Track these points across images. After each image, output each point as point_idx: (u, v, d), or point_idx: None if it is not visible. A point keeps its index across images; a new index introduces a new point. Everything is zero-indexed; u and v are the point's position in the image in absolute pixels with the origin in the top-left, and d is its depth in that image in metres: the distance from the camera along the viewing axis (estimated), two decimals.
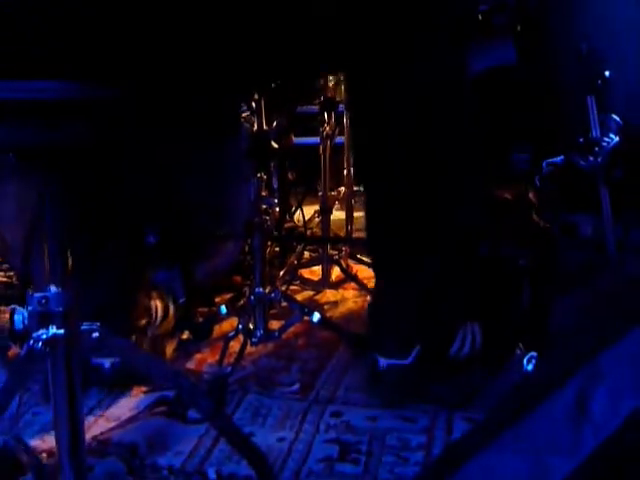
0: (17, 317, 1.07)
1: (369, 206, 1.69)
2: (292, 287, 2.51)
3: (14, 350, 2.02)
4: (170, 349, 2.03)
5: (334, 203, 2.59)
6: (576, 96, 1.22)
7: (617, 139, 1.14)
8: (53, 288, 1.07)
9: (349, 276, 2.54)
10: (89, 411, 1.65)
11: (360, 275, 2.60)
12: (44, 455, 1.47)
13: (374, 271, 1.84)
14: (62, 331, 1.06)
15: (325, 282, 2.58)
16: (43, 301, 1.05)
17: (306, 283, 2.60)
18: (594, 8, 1.25)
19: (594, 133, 1.16)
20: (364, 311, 2.39)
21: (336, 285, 2.58)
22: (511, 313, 1.74)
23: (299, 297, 2.49)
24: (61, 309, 1.06)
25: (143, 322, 1.85)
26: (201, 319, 2.22)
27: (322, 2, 1.40)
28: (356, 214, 2.77)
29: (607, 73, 1.15)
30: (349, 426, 1.61)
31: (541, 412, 0.67)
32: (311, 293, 2.56)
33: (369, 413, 1.66)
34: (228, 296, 2.42)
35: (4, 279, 2.68)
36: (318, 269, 2.66)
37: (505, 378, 1.67)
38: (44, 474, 1.32)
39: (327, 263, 2.58)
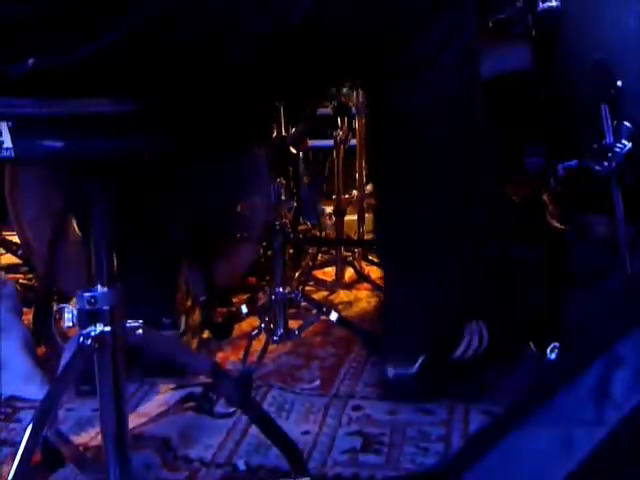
0: (67, 315, 1.13)
1: (378, 212, 1.75)
2: (307, 288, 2.58)
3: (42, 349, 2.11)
4: (193, 347, 2.10)
5: (348, 206, 2.67)
6: (590, 103, 1.29)
7: (630, 145, 1.21)
8: (100, 287, 1.13)
9: (362, 277, 2.61)
10: None
11: (373, 276, 2.67)
12: (81, 449, 1.55)
13: (384, 277, 1.90)
14: (109, 328, 1.13)
15: (339, 283, 2.66)
16: (92, 300, 1.12)
17: (320, 284, 2.67)
18: (608, 19, 1.31)
19: (608, 140, 1.23)
20: (377, 311, 2.48)
21: (349, 286, 2.65)
22: (520, 311, 1.81)
23: (314, 297, 2.56)
24: (108, 307, 1.13)
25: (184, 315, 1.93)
26: (220, 319, 2.29)
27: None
28: (368, 215, 2.84)
29: (619, 82, 1.23)
30: (370, 419, 1.68)
31: (564, 395, 0.74)
32: (325, 293, 2.63)
33: (389, 407, 1.73)
34: (245, 296, 2.49)
35: (24, 281, 2.75)
36: (331, 270, 2.73)
37: (520, 373, 1.74)
38: (85, 465, 1.39)
39: (341, 264, 2.66)
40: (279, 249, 2.00)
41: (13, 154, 0.81)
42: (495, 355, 1.78)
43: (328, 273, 2.75)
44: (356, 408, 1.74)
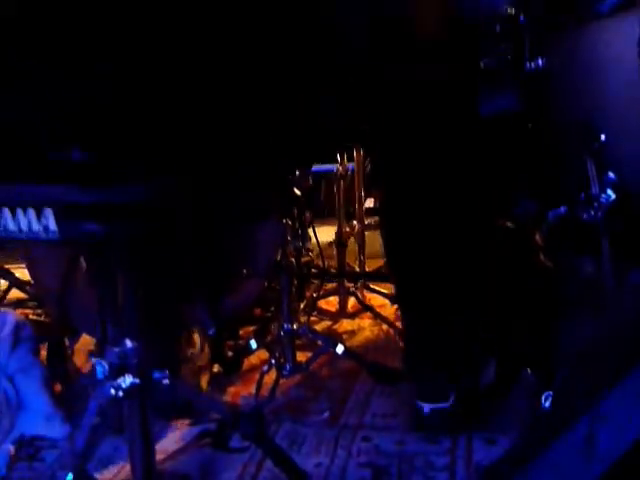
0: (99, 368, 1.22)
1: (395, 256, 1.84)
2: (311, 318, 2.68)
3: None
4: (204, 382, 2.18)
5: (349, 238, 2.76)
6: (576, 154, 1.40)
7: (614, 195, 1.31)
8: (129, 342, 1.23)
9: (365, 307, 2.70)
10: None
11: (374, 303, 2.77)
12: None
13: (404, 320, 1.97)
14: (138, 380, 1.22)
15: (342, 312, 2.75)
16: (122, 355, 1.21)
17: (324, 314, 2.76)
18: (592, 76, 1.42)
19: (593, 190, 1.34)
20: (380, 339, 2.57)
21: (352, 315, 2.75)
22: (520, 342, 1.90)
23: (318, 327, 2.67)
24: (136, 361, 1.23)
25: (189, 353, 2.00)
26: (230, 352, 2.38)
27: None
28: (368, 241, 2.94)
29: (603, 137, 1.33)
30: (379, 450, 1.77)
31: (556, 447, 0.82)
32: (329, 323, 2.72)
33: (396, 437, 1.81)
34: (251, 328, 2.58)
35: (34, 317, 2.82)
36: (334, 299, 2.83)
37: (517, 399, 1.84)
38: None
39: (343, 295, 2.75)
40: (286, 287, 2.09)
41: (58, 237, 0.91)
42: (500, 384, 1.87)
43: (331, 302, 2.84)
44: (365, 439, 1.82)
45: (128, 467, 1.66)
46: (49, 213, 0.90)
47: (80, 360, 2.44)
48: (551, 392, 1.10)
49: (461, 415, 1.77)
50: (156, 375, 1.25)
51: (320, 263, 2.82)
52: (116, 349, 1.21)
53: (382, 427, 1.88)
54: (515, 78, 1.68)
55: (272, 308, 2.62)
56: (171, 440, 1.84)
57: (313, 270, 2.69)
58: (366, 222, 2.90)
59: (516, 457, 0.88)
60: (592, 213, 1.33)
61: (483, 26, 1.75)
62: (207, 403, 1.53)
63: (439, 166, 1.74)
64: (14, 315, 2.11)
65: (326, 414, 1.96)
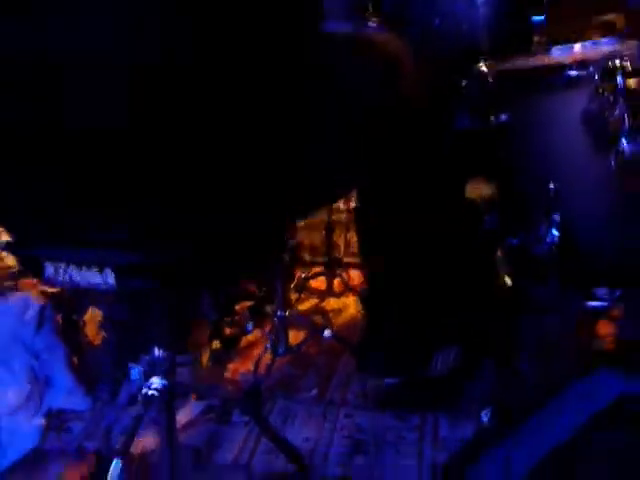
0: (133, 371, 1.50)
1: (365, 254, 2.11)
2: (301, 296, 2.96)
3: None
4: (205, 358, 2.46)
5: (336, 225, 3.03)
6: (531, 197, 1.67)
7: (558, 234, 1.58)
8: (157, 350, 1.50)
9: (349, 289, 2.98)
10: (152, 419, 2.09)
11: (359, 282, 3.05)
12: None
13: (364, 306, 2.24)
14: (166, 382, 1.50)
15: (329, 291, 3.03)
16: (152, 362, 1.49)
17: (312, 292, 3.04)
18: (549, 135, 1.68)
19: (541, 230, 1.60)
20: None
21: (339, 294, 3.03)
22: (484, 335, 2.19)
23: (307, 304, 2.96)
24: (164, 367, 1.50)
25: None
26: (228, 329, 2.65)
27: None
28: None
29: (553, 185, 1.59)
30: (359, 426, 2.07)
31: (482, 465, 1.10)
32: (317, 301, 3.00)
33: (373, 415, 2.12)
34: (247, 304, 2.85)
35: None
36: (323, 278, 3.10)
37: (479, 383, 2.14)
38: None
39: (330, 276, 3.03)
40: (279, 277, 2.36)
41: (115, 288, 1.16)
42: (464, 370, 2.17)
43: (320, 280, 3.12)
44: (347, 416, 2.13)
45: (144, 442, 1.97)
46: (108, 271, 1.15)
47: (91, 332, 2.70)
48: (491, 408, 1.38)
49: (413, 394, 2.06)
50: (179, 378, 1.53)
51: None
52: (147, 357, 1.48)
53: (362, 406, 2.18)
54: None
55: (264, 288, 2.89)
56: (179, 414, 2.13)
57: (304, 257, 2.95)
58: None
59: (465, 458, 1.16)
60: (539, 248, 1.60)
61: (465, 53, 1.99)
62: (214, 391, 1.82)
63: (413, 168, 1.98)
64: (38, 298, 2.36)
65: (314, 391, 2.26)
